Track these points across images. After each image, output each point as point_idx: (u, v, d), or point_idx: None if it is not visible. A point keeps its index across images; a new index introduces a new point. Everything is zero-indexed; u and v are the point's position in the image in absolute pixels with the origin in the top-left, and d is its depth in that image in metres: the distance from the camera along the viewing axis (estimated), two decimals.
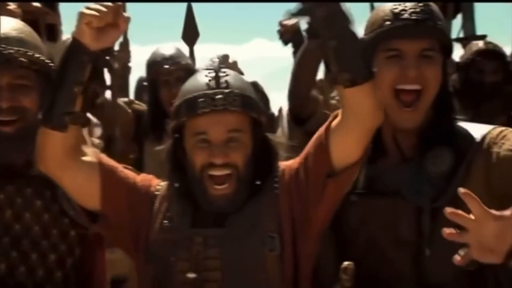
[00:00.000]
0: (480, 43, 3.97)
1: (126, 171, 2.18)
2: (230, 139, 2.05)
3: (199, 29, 4.79)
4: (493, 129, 2.13)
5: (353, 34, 1.96)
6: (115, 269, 2.65)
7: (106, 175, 2.12)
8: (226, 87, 2.07)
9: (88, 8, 1.96)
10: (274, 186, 2.10)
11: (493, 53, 3.88)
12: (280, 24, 3.76)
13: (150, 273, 2.08)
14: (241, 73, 2.44)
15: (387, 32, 2.11)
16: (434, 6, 2.16)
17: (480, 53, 3.87)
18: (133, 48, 4.38)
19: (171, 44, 4.33)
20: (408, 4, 2.13)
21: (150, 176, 2.22)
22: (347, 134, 2.00)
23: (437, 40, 2.12)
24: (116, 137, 3.87)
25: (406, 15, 2.10)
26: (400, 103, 2.11)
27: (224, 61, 2.41)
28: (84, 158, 2.12)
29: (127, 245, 2.16)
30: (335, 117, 2.04)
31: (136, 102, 4.43)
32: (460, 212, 1.75)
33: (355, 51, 1.94)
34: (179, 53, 4.14)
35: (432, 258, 2.08)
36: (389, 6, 2.15)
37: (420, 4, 2.13)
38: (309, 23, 2.11)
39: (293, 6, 1.98)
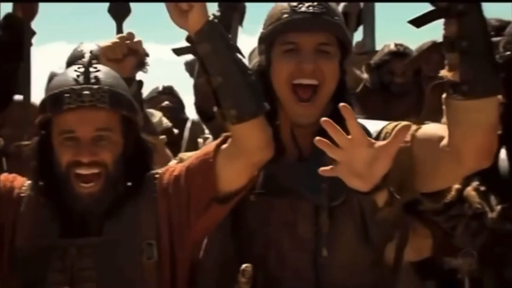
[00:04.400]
0: (392, 45, 4.04)
1: None
2: (99, 138, 1.98)
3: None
4: (389, 124, 2.14)
5: (240, 70, 1.97)
6: None
7: None
8: (95, 83, 1.99)
9: None
10: (152, 189, 2.05)
11: (403, 54, 3.95)
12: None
13: (17, 282, 1.99)
14: (146, 54, 2.33)
15: (284, 25, 2.09)
16: (333, 4, 2.16)
17: (390, 54, 3.95)
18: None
19: (93, 44, 4.19)
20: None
21: (12, 176, 2.12)
22: (234, 163, 1.99)
23: (334, 36, 2.11)
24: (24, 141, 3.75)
25: (303, 8, 2.08)
26: (297, 98, 2.09)
27: (129, 37, 2.28)
28: None
29: None
30: (227, 138, 2.02)
31: None
32: (337, 127, 1.81)
33: (243, 87, 1.95)
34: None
35: (330, 258, 2.05)
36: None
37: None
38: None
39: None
